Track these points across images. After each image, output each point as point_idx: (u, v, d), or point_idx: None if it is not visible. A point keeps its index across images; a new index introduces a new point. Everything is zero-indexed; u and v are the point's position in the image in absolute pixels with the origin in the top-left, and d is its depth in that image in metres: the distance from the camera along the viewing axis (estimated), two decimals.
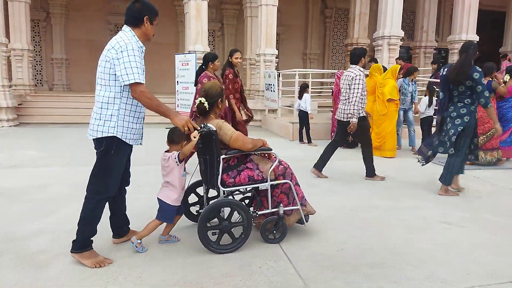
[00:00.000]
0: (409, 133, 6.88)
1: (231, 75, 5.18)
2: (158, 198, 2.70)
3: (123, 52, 2.30)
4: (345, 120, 4.69)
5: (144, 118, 2.62)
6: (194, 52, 9.11)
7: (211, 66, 4.85)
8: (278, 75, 9.08)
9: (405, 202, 3.92)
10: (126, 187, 2.77)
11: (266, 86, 9.57)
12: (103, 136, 2.38)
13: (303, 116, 7.28)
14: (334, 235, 3.01)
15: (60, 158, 5.66)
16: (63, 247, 2.66)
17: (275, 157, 2.88)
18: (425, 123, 6.79)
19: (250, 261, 2.56)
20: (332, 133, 7.40)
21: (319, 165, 4.88)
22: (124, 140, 2.43)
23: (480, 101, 3.96)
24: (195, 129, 2.50)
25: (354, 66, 4.72)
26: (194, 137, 2.49)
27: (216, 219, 2.70)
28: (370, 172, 4.84)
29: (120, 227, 2.77)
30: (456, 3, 10.82)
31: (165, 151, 2.72)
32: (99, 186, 2.46)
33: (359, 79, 4.54)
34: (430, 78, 9.37)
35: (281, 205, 2.83)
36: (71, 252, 2.47)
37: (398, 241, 2.92)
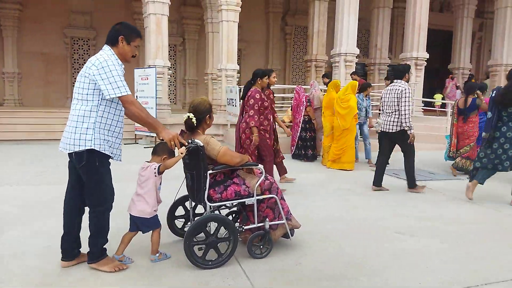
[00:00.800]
0: (365, 146, 7.12)
1: (271, 95, 5.04)
2: (131, 214, 2.68)
3: (104, 68, 2.39)
4: (391, 131, 4.93)
5: (122, 134, 2.63)
6: (154, 66, 9.00)
7: (259, 82, 4.78)
8: (240, 90, 9.16)
9: (363, 214, 4.03)
10: (85, 207, 2.66)
11: (228, 101, 9.61)
12: (80, 149, 2.41)
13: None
14: (293, 248, 3.03)
15: (10, 177, 5.33)
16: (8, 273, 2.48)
17: (261, 172, 2.91)
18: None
19: (208, 279, 2.51)
20: (292, 147, 7.52)
21: (378, 181, 5.08)
22: (104, 152, 2.46)
23: None
24: (182, 144, 2.56)
25: (399, 81, 4.99)
26: (182, 153, 2.55)
27: (201, 234, 2.69)
28: (412, 184, 5.01)
29: (71, 249, 2.64)
30: (407, 23, 11.47)
31: (146, 161, 2.73)
32: (98, 200, 2.52)
33: (408, 93, 4.81)
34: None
35: (267, 219, 2.86)
36: (88, 263, 2.56)
37: (355, 252, 2.99)
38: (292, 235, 3.02)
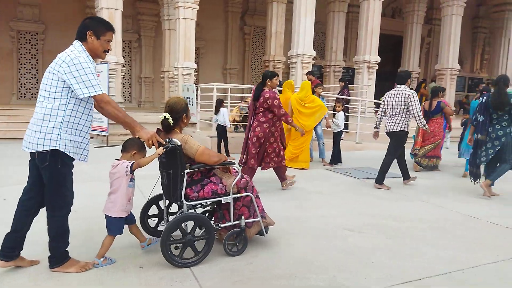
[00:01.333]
0: (319, 146, 7.28)
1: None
2: (104, 213, 2.64)
3: (76, 65, 2.28)
4: (395, 131, 5.32)
5: (89, 134, 2.55)
6: (106, 63, 8.66)
7: (269, 83, 4.84)
8: (197, 89, 9.04)
9: (317, 212, 4.10)
10: (40, 209, 2.54)
11: (185, 99, 9.44)
12: (45, 149, 2.30)
13: (221, 131, 7.31)
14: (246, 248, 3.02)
15: None
16: None
17: (237, 171, 2.96)
18: (338, 137, 7.19)
19: (156, 283, 2.44)
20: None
21: (406, 176, 5.65)
22: (68, 153, 2.37)
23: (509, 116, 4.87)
24: (160, 143, 2.55)
25: (403, 86, 5.36)
26: (159, 153, 2.55)
27: (177, 233, 2.68)
28: (407, 174, 5.66)
29: (13, 249, 2.47)
30: (361, 27, 11.88)
31: (116, 159, 2.66)
32: (58, 202, 2.43)
33: (415, 96, 5.24)
34: (338, 94, 10.09)
35: (243, 217, 2.90)
36: (50, 268, 2.46)
37: (305, 250, 3.03)
38: (266, 232, 3.07)
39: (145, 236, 2.91)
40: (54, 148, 2.31)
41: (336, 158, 7.10)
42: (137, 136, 2.57)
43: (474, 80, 19.61)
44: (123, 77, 12.10)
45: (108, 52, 2.58)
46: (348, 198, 4.75)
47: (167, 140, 2.61)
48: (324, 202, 4.55)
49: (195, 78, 10.56)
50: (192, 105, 8.84)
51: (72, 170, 2.50)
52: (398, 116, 5.30)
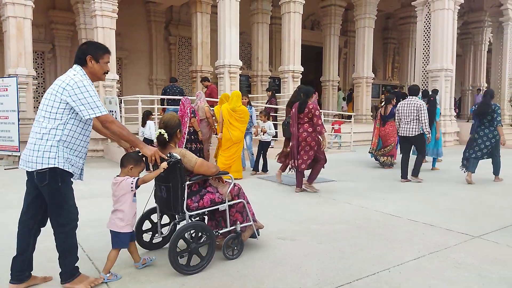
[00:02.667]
0: (250, 156, 7.33)
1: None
2: (109, 229, 2.71)
3: (81, 88, 2.38)
4: (411, 135, 6.36)
5: (86, 154, 2.61)
6: (15, 75, 7.87)
7: (311, 99, 5.67)
8: (120, 102, 8.60)
9: None
10: (41, 228, 2.60)
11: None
12: (43, 168, 2.36)
13: (147, 144, 7.00)
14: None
15: None
16: None
17: (231, 180, 3.13)
18: (266, 146, 7.24)
19: None
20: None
21: (404, 175, 6.41)
22: (67, 170, 2.44)
23: (498, 123, 6.12)
24: (162, 159, 2.69)
25: (414, 97, 6.45)
26: (164, 168, 2.66)
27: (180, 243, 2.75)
28: (416, 173, 6.43)
29: (22, 271, 2.52)
30: (284, 39, 12.30)
31: (116, 176, 2.74)
32: (62, 219, 2.47)
33: (425, 106, 6.33)
34: (266, 103, 10.30)
35: (238, 222, 3.09)
36: (62, 284, 2.51)
37: (239, 263, 2.97)
38: (258, 235, 3.30)
39: (139, 256, 2.92)
40: (52, 166, 2.37)
41: (264, 167, 7.18)
42: (139, 153, 2.75)
43: (387, 87, 21.38)
44: (36, 91, 11.11)
45: (107, 73, 2.69)
46: (279, 206, 4.81)
47: (168, 155, 2.73)
48: (256, 211, 4.54)
49: (118, 90, 10.05)
50: (116, 118, 8.38)
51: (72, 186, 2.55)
52: (412, 123, 6.34)
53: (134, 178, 2.67)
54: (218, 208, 3.01)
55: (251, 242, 3.46)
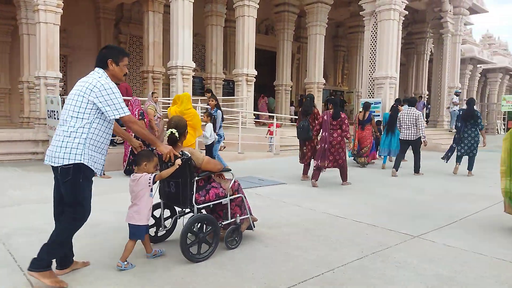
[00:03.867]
0: None
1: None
2: (128, 223, 2.92)
3: (107, 90, 2.58)
4: (410, 139, 7.76)
5: (107, 151, 2.77)
6: None
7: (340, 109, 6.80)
8: (63, 101, 8.13)
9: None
10: None
11: (49, 113, 8.41)
12: (69, 163, 2.51)
13: None
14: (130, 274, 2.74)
15: None
16: None
17: (232, 176, 3.39)
18: (209, 149, 7.07)
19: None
20: (124, 162, 7.04)
21: (397, 167, 7.69)
22: (90, 166, 2.58)
23: (482, 128, 7.71)
24: (176, 156, 2.95)
25: (413, 108, 7.92)
26: (179, 164, 2.92)
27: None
28: (417, 170, 7.80)
29: (66, 257, 2.74)
30: (238, 42, 12.33)
31: (135, 173, 2.99)
32: (77, 213, 2.60)
33: (422, 116, 7.82)
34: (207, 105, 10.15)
35: (238, 215, 3.36)
36: (29, 270, 2.48)
37: (181, 271, 2.88)
38: (254, 227, 3.55)
39: (151, 247, 3.12)
40: (78, 161, 2.52)
41: None
42: (154, 151, 3.04)
43: (337, 93, 22.16)
44: None
45: (126, 75, 2.91)
46: None
47: (180, 152, 3.00)
48: None
49: (61, 89, 9.51)
50: (57, 119, 7.91)
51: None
52: (412, 129, 7.72)
53: (151, 175, 2.93)
54: (221, 202, 3.28)
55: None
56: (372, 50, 13.44)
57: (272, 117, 11.21)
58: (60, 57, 11.01)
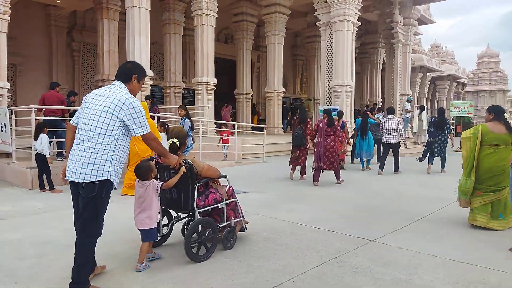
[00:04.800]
0: None
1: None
2: (139, 229, 3.12)
3: (135, 109, 2.65)
4: (393, 143, 8.92)
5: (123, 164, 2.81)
6: None
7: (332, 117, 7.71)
8: (11, 112, 7.65)
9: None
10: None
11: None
12: (97, 180, 2.54)
13: (40, 160, 6.32)
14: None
15: None
16: None
17: (227, 182, 3.63)
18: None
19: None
20: None
21: (382, 167, 8.86)
22: (114, 182, 2.65)
23: (450, 132, 9.13)
24: (180, 165, 3.15)
25: (392, 116, 9.20)
26: (184, 171, 3.16)
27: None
28: (397, 168, 8.99)
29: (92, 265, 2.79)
30: (197, 50, 12.26)
31: (141, 181, 3.13)
32: (93, 230, 2.64)
33: (401, 123, 9.27)
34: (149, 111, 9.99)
35: (233, 218, 3.61)
36: None
37: (134, 285, 2.79)
38: (246, 229, 3.83)
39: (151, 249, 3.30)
40: (106, 178, 2.57)
41: None
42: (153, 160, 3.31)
43: (297, 101, 22.58)
44: None
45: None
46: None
47: (183, 161, 3.21)
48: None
49: (10, 99, 8.96)
50: (6, 131, 7.45)
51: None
52: (393, 134, 8.91)
53: (159, 182, 3.15)
54: (218, 206, 3.49)
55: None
56: (328, 59, 13.84)
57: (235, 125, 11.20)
58: (9, 66, 10.43)
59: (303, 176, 7.97)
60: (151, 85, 10.94)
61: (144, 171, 3.12)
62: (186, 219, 3.68)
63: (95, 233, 2.65)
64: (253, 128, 15.29)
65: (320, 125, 7.46)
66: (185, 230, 3.73)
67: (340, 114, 9.70)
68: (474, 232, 4.28)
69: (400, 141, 8.92)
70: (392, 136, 8.94)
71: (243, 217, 3.79)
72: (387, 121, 9.07)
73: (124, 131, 2.67)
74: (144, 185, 3.08)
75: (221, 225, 3.51)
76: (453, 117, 21.67)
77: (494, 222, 4.36)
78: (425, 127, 13.52)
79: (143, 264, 3.07)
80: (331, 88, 13.68)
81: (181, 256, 3.31)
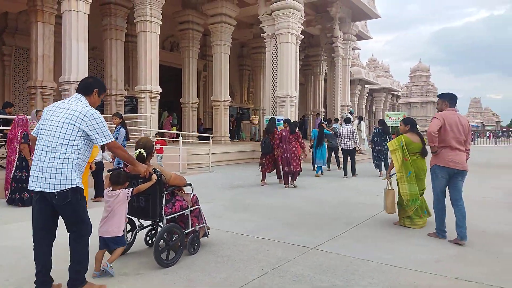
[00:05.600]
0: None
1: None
2: (104, 237, 3.18)
3: (96, 119, 2.79)
4: (350, 148, 10.04)
5: None
6: None
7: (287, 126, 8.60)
8: None
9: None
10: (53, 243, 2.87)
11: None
12: (66, 188, 2.67)
13: None
14: None
15: None
16: None
17: (192, 190, 3.90)
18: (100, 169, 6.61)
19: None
20: (6, 190, 6.13)
21: (346, 172, 10.03)
22: (81, 187, 2.76)
23: (391, 139, 9.24)
24: (150, 173, 3.32)
25: (349, 124, 10.39)
26: (155, 179, 3.31)
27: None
28: (354, 172, 10.21)
29: (48, 283, 2.81)
30: (140, 58, 11.92)
31: (110, 189, 3.26)
32: (83, 230, 2.84)
33: (356, 131, 10.38)
34: None
35: (196, 224, 3.81)
36: None
37: None
38: (209, 234, 4.05)
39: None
40: (75, 186, 2.69)
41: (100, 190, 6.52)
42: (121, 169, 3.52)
43: (243, 110, 22.75)
44: None
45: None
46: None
47: (153, 170, 3.36)
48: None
49: None
50: None
51: None
52: (350, 141, 10.05)
53: (128, 189, 3.27)
54: (184, 213, 3.66)
55: None
56: (273, 70, 14.14)
57: (178, 135, 10.98)
58: None
59: (264, 181, 8.71)
60: None
61: (123, 179, 3.30)
62: (149, 227, 3.90)
63: (86, 232, 2.85)
64: (199, 138, 15.10)
65: (283, 133, 8.40)
66: (147, 238, 3.93)
67: (295, 124, 9.99)
68: (407, 235, 4.55)
69: (355, 147, 10.10)
70: (349, 143, 10.09)
71: (205, 223, 3.99)
72: (345, 130, 10.20)
73: (86, 140, 2.81)
74: (114, 195, 3.21)
75: (186, 231, 3.66)
76: (389, 127, 23.06)
77: (421, 221, 4.92)
78: (364, 136, 14.44)
79: (110, 265, 3.13)
80: (276, 98, 13.96)
81: (119, 274, 3.13)
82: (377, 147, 10.34)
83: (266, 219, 5.35)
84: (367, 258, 3.68)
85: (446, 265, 3.53)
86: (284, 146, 8.33)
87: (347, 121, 10.68)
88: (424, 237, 4.47)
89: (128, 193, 3.24)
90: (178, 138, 10.56)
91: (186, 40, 16.08)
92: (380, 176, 10.01)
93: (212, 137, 12.09)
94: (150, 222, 3.79)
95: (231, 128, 19.57)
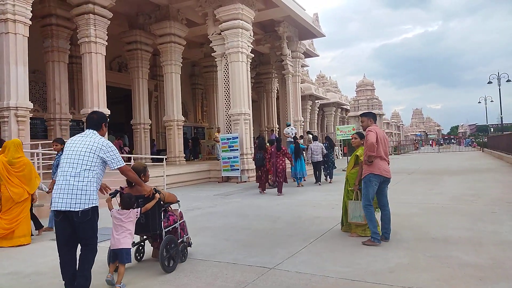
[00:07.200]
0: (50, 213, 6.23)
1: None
2: (117, 249, 3.56)
3: (111, 147, 3.38)
4: (319, 161, 12.14)
5: None
6: None
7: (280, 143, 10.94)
8: None
9: None
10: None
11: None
12: (89, 207, 3.16)
13: None
14: None
15: None
16: None
17: (178, 206, 4.43)
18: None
19: None
20: None
21: (318, 180, 12.26)
22: (98, 206, 3.28)
23: (333, 150, 13.78)
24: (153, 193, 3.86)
25: (318, 142, 12.65)
26: (157, 197, 3.88)
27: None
28: (331, 176, 12.64)
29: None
30: (85, 80, 11.45)
31: (120, 208, 3.72)
32: (95, 243, 3.32)
33: (323, 146, 12.51)
34: None
35: (184, 235, 4.32)
36: None
37: None
38: (192, 244, 4.57)
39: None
40: (95, 205, 3.23)
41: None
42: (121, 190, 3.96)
43: (198, 129, 22.53)
44: None
45: None
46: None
47: (154, 189, 3.84)
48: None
49: None
50: None
51: None
52: (320, 155, 12.09)
53: (137, 209, 3.71)
54: (175, 226, 4.16)
55: None
56: (226, 89, 14.19)
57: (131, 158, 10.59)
58: None
59: (264, 191, 10.36)
60: (31, 118, 9.78)
61: (134, 202, 3.73)
62: (137, 245, 4.24)
63: (95, 246, 3.30)
64: (153, 160, 14.66)
65: (272, 149, 10.49)
66: (136, 255, 4.25)
67: (272, 141, 11.58)
68: (363, 246, 4.64)
69: (323, 160, 12.28)
70: (319, 156, 12.18)
71: (188, 234, 4.50)
72: (315, 145, 12.34)
73: (102, 166, 3.34)
74: (124, 213, 3.64)
75: (179, 241, 4.14)
76: (340, 139, 23.85)
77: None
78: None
79: (122, 284, 3.44)
80: (230, 116, 13.97)
81: None
82: (325, 159, 12.40)
83: (224, 240, 5.23)
84: (325, 274, 3.68)
85: (401, 274, 3.62)
86: (273, 161, 10.32)
87: (315, 138, 13.09)
88: (380, 247, 4.59)
89: (137, 212, 3.69)
90: (130, 162, 10.17)
91: (135, 60, 15.73)
92: (330, 183, 12.15)
93: (166, 159, 11.79)
94: (139, 239, 4.28)
95: (190, 149, 19.27)
